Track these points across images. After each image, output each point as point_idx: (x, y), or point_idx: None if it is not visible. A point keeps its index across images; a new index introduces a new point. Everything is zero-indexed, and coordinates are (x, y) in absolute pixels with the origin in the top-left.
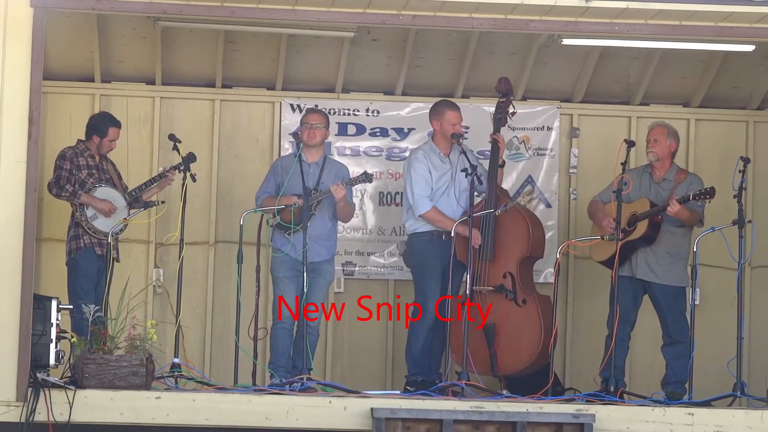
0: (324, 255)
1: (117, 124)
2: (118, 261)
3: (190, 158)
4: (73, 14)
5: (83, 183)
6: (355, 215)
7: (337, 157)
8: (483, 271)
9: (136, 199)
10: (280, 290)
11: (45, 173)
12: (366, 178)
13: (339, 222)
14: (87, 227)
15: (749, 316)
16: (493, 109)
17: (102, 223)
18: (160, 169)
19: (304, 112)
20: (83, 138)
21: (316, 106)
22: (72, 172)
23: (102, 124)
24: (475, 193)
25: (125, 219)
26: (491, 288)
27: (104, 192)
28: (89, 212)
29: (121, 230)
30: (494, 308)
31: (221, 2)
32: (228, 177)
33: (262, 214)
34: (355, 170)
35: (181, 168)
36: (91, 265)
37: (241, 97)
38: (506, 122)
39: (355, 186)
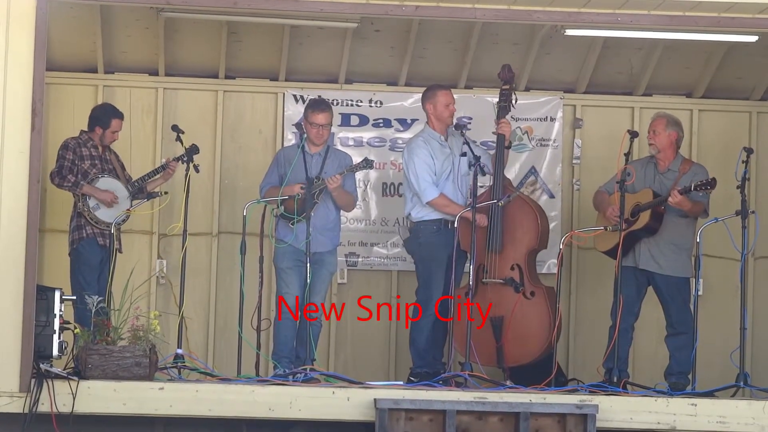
0: (327, 246)
1: (120, 116)
2: (120, 252)
3: (193, 150)
4: (76, 5)
5: (86, 173)
6: (358, 206)
7: (340, 148)
8: (492, 262)
9: (139, 190)
10: (283, 281)
11: (48, 164)
12: (366, 164)
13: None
14: (89, 218)
15: (752, 306)
16: (496, 100)
17: (104, 214)
18: (163, 160)
19: (308, 105)
20: (86, 129)
21: (319, 96)
22: (74, 163)
23: (105, 116)
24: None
25: (128, 209)
26: (501, 280)
27: (106, 183)
28: (91, 202)
29: (124, 221)
30: (503, 301)
31: None
32: (231, 168)
33: (265, 205)
34: (358, 161)
35: (184, 159)
36: (93, 256)
37: (244, 88)
38: (510, 110)
39: (357, 173)
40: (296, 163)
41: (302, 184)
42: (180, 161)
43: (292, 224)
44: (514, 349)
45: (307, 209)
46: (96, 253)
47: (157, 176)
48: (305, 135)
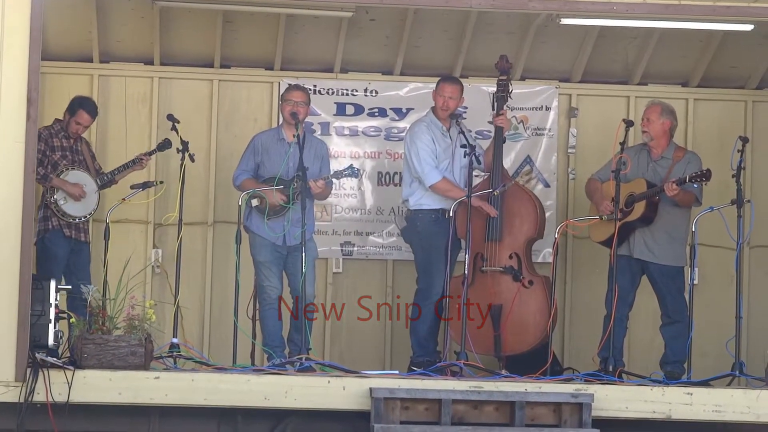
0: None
1: (90, 110)
2: (88, 242)
3: (166, 144)
4: None
5: (56, 165)
6: (353, 195)
7: (335, 138)
8: (491, 251)
9: (108, 183)
10: (263, 274)
11: None
12: (352, 172)
13: (335, 202)
14: (56, 210)
15: (748, 295)
16: (491, 89)
17: (71, 207)
18: (135, 154)
19: (284, 88)
20: (60, 117)
21: (307, 85)
22: (45, 154)
23: (76, 105)
24: (474, 173)
25: (123, 199)
26: (501, 268)
27: (76, 176)
28: (59, 196)
29: (91, 214)
30: (501, 289)
31: None
32: (226, 157)
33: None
34: (353, 150)
35: (156, 153)
36: (59, 248)
37: (239, 78)
38: (507, 100)
39: (341, 179)
40: (275, 154)
41: (283, 197)
42: (151, 156)
43: (268, 219)
44: (511, 337)
45: (303, 200)
46: (62, 245)
47: (128, 170)
48: (299, 124)
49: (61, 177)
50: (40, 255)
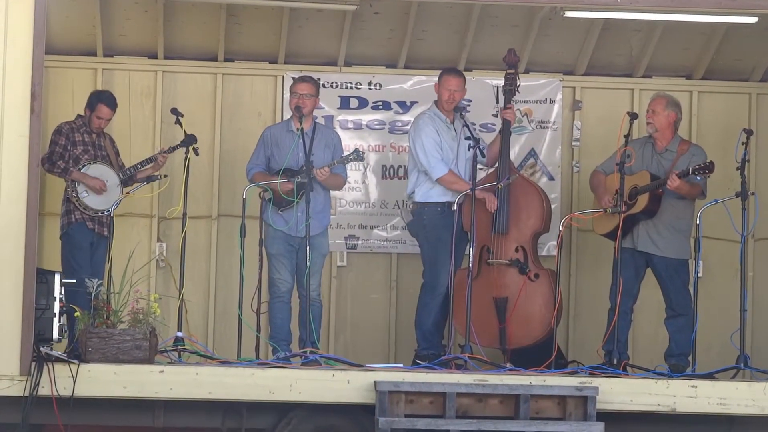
0: (317, 228)
1: (109, 104)
2: (108, 237)
3: (191, 140)
4: None
5: (77, 159)
6: (357, 189)
7: (339, 131)
8: (497, 244)
9: (129, 178)
10: (274, 267)
11: (47, 148)
12: (357, 156)
13: (339, 195)
14: (77, 204)
15: (752, 288)
16: (495, 82)
17: (93, 201)
18: (159, 149)
19: (292, 80)
20: (83, 113)
21: (317, 77)
22: (67, 148)
23: (95, 100)
24: (479, 167)
25: (128, 193)
26: (507, 261)
27: (97, 170)
28: (80, 189)
29: (113, 207)
30: (507, 282)
31: None
32: (230, 151)
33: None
34: (358, 143)
35: (177, 149)
36: (84, 238)
37: (243, 71)
38: (515, 94)
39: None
40: (285, 146)
41: (290, 182)
42: (171, 152)
43: (281, 211)
44: (517, 330)
45: (306, 193)
46: (86, 236)
47: (149, 165)
48: (303, 117)
49: (81, 171)
50: (65, 247)
